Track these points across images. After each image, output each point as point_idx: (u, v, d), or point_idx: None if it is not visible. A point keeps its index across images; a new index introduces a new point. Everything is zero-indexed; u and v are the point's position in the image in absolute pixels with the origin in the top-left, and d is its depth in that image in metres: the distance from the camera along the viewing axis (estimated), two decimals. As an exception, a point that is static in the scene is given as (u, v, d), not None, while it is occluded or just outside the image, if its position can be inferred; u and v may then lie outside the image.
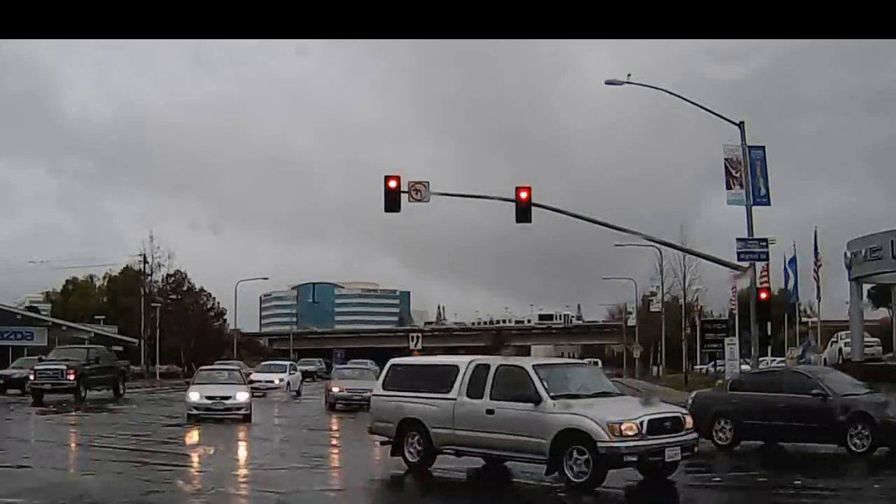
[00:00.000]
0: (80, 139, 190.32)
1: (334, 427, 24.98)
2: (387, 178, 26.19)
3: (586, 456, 11.82)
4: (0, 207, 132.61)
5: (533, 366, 13.37)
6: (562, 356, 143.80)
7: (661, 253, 56.77)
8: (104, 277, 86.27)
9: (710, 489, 13.34)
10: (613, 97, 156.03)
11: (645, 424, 11.91)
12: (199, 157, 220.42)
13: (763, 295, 29.41)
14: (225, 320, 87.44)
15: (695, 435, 12.86)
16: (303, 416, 28.00)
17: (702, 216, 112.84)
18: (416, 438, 14.15)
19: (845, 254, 36.47)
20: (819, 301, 51.65)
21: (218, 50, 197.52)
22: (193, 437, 21.02)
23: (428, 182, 26.92)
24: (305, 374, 54.65)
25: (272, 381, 38.57)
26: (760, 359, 41.36)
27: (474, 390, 13.43)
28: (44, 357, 36.11)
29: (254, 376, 37.89)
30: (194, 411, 23.94)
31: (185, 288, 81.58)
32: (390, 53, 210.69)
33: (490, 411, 13.08)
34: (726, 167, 28.23)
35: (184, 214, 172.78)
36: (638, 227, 34.23)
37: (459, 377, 13.73)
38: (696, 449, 12.68)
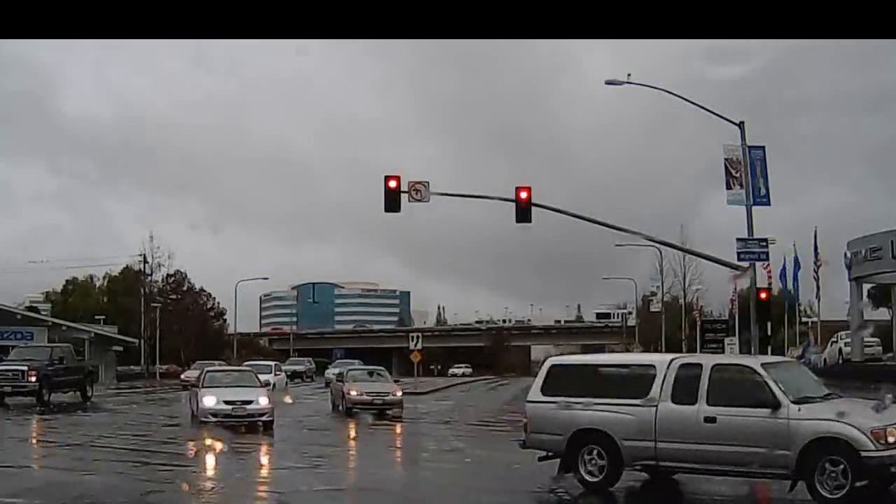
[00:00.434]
0: (80, 139, 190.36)
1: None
2: (387, 178, 26.18)
3: (842, 467, 10.35)
4: (0, 207, 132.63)
5: (762, 364, 11.73)
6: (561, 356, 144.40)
7: (661, 253, 56.84)
8: (104, 277, 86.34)
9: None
10: (613, 97, 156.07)
11: None
12: (200, 157, 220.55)
13: (763, 295, 29.41)
14: (225, 320, 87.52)
15: None
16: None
17: (702, 216, 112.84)
18: (595, 453, 12.06)
19: (845, 254, 36.52)
20: (819, 301, 51.76)
21: (218, 50, 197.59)
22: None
23: (428, 182, 26.91)
24: (294, 375, 53.44)
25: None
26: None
27: (683, 394, 11.57)
28: (4, 357, 33.66)
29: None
30: (210, 418, 21.07)
31: (185, 288, 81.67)
32: (390, 53, 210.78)
33: (710, 419, 11.23)
34: (726, 167, 28.24)
35: (184, 214, 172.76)
36: (638, 227, 34.31)
37: (658, 379, 11.83)
38: None
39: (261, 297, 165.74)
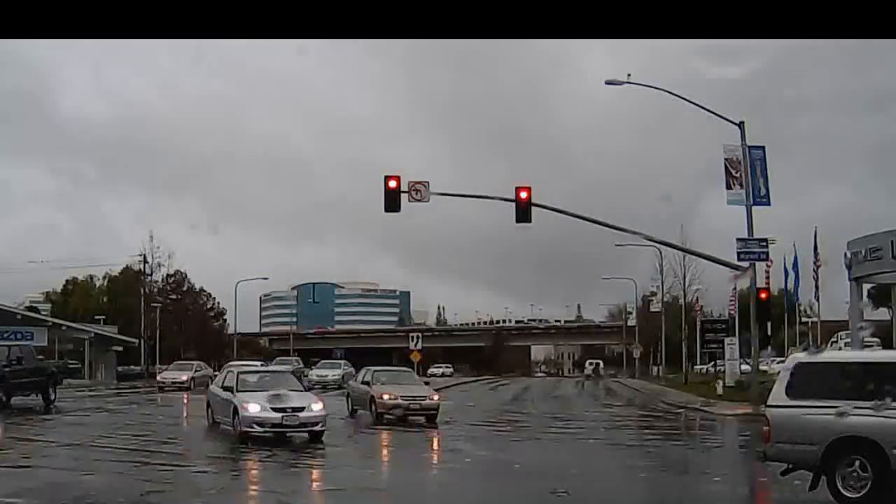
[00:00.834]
0: (79, 139, 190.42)
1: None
2: (387, 179, 26.21)
3: None
4: (0, 207, 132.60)
5: None
6: (560, 357, 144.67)
7: (661, 253, 56.90)
8: (104, 277, 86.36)
9: None
10: (613, 97, 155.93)
11: None
12: (199, 156, 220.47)
13: (763, 295, 29.44)
14: (225, 320, 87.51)
15: None
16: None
17: (702, 216, 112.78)
18: (857, 465, 10.40)
19: (845, 254, 36.46)
20: (818, 301, 51.83)
21: (217, 50, 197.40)
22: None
23: (428, 182, 26.96)
24: None
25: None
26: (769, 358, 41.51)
27: None
28: None
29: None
30: (256, 428, 18.12)
31: (185, 288, 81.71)
32: (390, 53, 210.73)
33: None
34: (726, 167, 28.28)
35: (184, 214, 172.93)
36: (638, 227, 34.27)
37: None
38: None
39: (261, 297, 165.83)
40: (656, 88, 29.22)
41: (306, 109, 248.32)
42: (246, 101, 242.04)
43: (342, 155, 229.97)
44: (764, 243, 28.04)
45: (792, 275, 52.02)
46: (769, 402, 11.46)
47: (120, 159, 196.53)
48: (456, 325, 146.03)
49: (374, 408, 24.77)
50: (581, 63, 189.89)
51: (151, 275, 72.63)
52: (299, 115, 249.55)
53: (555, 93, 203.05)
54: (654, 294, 68.34)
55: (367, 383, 26.25)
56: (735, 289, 48.15)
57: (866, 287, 41.86)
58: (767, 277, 43.82)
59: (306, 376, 50.44)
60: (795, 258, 50.80)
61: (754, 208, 27.97)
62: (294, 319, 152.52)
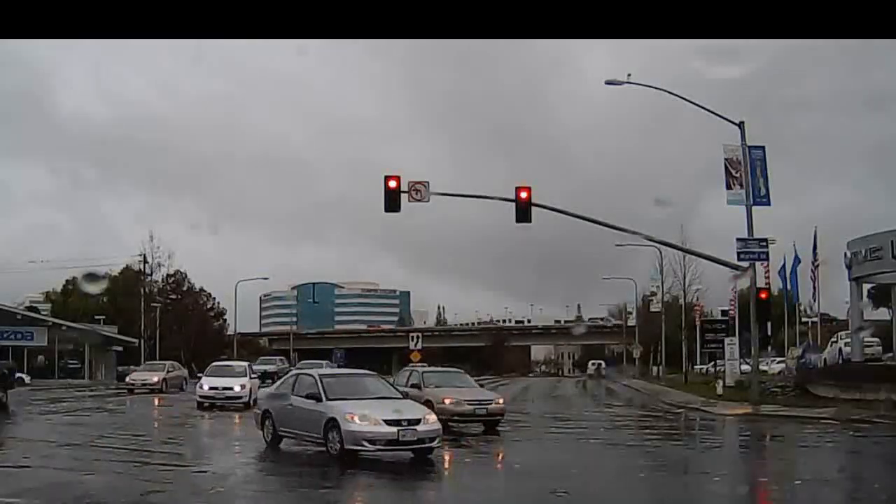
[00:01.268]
0: (79, 139, 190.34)
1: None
2: (387, 179, 26.22)
3: None
4: (0, 207, 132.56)
5: None
6: (560, 357, 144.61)
7: (661, 253, 56.95)
8: (104, 277, 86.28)
9: None
10: (613, 97, 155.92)
11: None
12: (199, 156, 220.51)
13: (763, 295, 29.45)
14: (225, 320, 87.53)
15: None
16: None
17: (702, 216, 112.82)
18: None
19: (845, 254, 36.50)
20: (816, 301, 51.85)
21: (217, 49, 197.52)
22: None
23: (428, 182, 26.97)
24: (265, 376, 43.83)
25: (231, 389, 29.99)
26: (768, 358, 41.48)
27: None
28: None
29: (206, 383, 30.39)
30: (367, 447, 14.67)
31: (185, 288, 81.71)
32: (390, 53, 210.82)
33: None
34: (726, 167, 28.31)
35: (184, 214, 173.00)
36: (638, 227, 34.27)
37: None
38: None
39: (261, 297, 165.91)
40: (656, 88, 29.25)
41: (306, 109, 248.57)
42: (246, 101, 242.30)
43: (342, 155, 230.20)
44: (764, 243, 28.06)
45: (791, 274, 52.02)
46: None
47: (120, 159, 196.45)
48: (456, 325, 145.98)
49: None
50: (581, 63, 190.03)
51: (151, 275, 72.69)
52: (299, 115, 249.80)
53: (555, 93, 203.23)
54: (654, 294, 68.37)
55: (417, 386, 22.49)
56: (735, 289, 48.20)
57: (866, 287, 41.92)
58: (767, 277, 43.84)
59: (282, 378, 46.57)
60: (795, 258, 50.79)
61: (754, 208, 27.98)
62: (294, 319, 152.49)
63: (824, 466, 15.46)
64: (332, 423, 14.92)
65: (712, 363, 52.34)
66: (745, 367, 38.80)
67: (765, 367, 48.15)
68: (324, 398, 15.69)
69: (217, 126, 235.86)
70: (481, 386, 26.08)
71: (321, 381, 16.40)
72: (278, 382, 19.44)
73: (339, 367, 32.13)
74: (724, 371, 41.56)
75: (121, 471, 14.01)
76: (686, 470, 15.77)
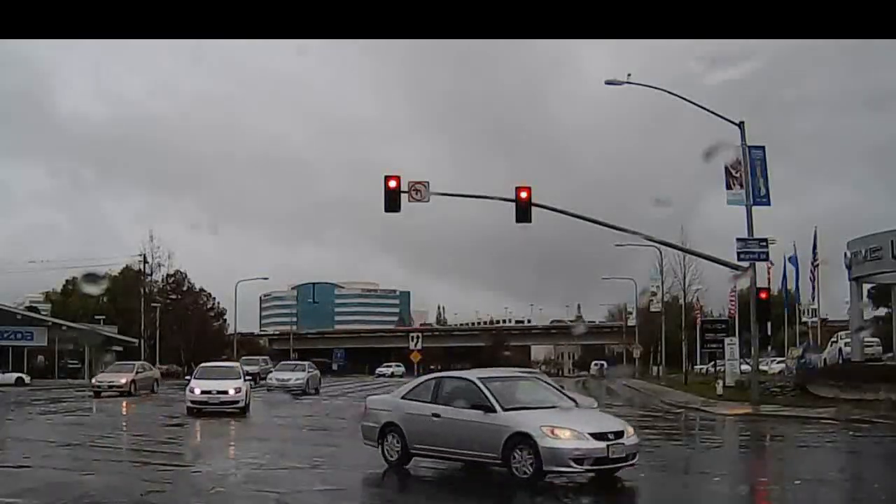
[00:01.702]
0: (79, 139, 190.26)
1: None
2: (387, 179, 26.21)
3: None
4: (0, 207, 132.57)
5: None
6: (561, 357, 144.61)
7: (661, 253, 56.98)
8: (104, 277, 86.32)
9: None
10: (613, 97, 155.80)
11: None
12: (199, 156, 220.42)
13: (763, 295, 29.46)
14: (225, 320, 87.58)
15: None
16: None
17: (702, 216, 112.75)
18: None
19: (845, 254, 36.51)
20: (816, 301, 51.82)
21: (217, 49, 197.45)
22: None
23: (428, 182, 26.96)
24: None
25: (226, 392, 27.08)
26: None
27: None
28: None
29: (196, 386, 27.40)
30: (574, 468, 12.03)
31: (185, 288, 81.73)
32: (390, 53, 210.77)
33: None
34: (726, 167, 28.30)
35: (184, 214, 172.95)
36: (638, 228, 34.29)
37: None
38: None
39: (261, 297, 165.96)
40: (656, 88, 29.25)
41: (306, 109, 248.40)
42: (246, 101, 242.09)
43: (342, 155, 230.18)
44: (764, 243, 28.06)
45: (792, 275, 52.05)
46: None
47: (120, 159, 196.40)
48: (456, 325, 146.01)
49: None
50: (581, 63, 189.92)
51: (151, 275, 72.70)
52: (299, 115, 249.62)
53: (555, 93, 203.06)
54: (654, 294, 68.43)
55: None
56: (735, 288, 48.22)
57: (866, 287, 41.93)
58: (768, 277, 43.87)
59: (264, 379, 45.82)
60: (795, 258, 50.81)
61: (754, 208, 27.99)
62: (294, 319, 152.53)
63: (824, 466, 15.45)
64: (520, 440, 12.13)
65: (712, 363, 52.34)
66: (745, 367, 38.80)
67: (765, 368, 48.17)
68: (498, 408, 12.75)
69: (217, 126, 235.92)
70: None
71: (487, 388, 13.27)
72: (404, 388, 15.29)
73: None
74: (724, 371, 41.55)
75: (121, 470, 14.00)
76: (686, 470, 15.76)
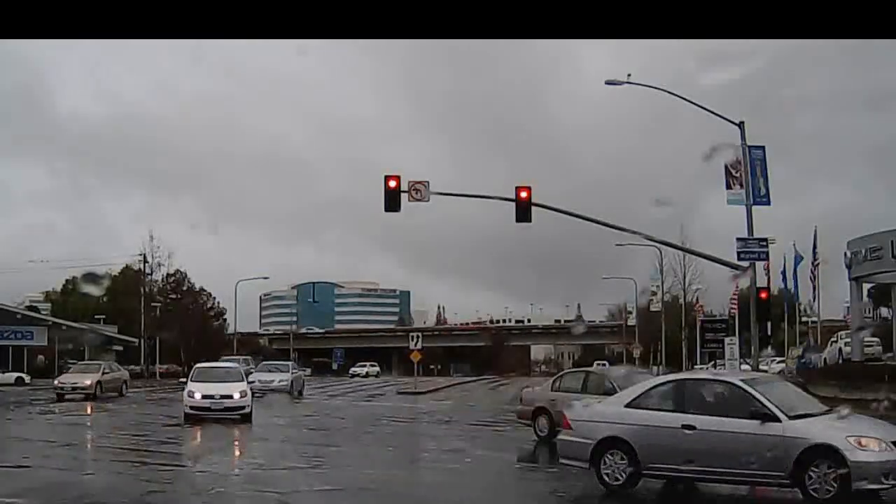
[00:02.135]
0: (78, 139, 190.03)
1: None
2: (387, 178, 26.18)
3: None
4: (0, 207, 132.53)
5: None
6: (561, 357, 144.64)
7: (661, 253, 56.98)
8: (104, 277, 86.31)
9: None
10: (613, 96, 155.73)
11: None
12: (199, 156, 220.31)
13: (763, 295, 29.44)
14: (225, 320, 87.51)
15: None
16: None
17: (702, 216, 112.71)
18: None
19: (845, 253, 36.54)
20: (816, 301, 51.88)
21: (216, 48, 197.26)
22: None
23: (428, 182, 26.91)
24: None
25: (231, 397, 24.52)
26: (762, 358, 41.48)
27: None
28: None
29: (196, 390, 24.72)
30: (885, 483, 10.28)
31: (185, 288, 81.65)
32: (390, 52, 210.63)
33: None
34: (726, 167, 28.28)
35: (183, 214, 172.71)
36: (638, 227, 34.22)
37: None
38: None
39: (261, 297, 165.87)
40: (656, 88, 29.18)
41: (306, 109, 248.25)
42: (246, 101, 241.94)
43: (342, 155, 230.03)
44: (764, 243, 28.01)
45: (792, 274, 52.06)
46: None
47: (120, 159, 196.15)
48: (456, 325, 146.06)
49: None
50: (581, 63, 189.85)
51: (151, 274, 72.63)
52: (299, 115, 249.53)
53: (555, 93, 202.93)
54: (654, 294, 68.45)
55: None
56: (736, 288, 48.20)
57: (866, 287, 41.95)
58: (768, 277, 43.86)
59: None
60: (795, 258, 50.82)
61: (754, 208, 27.94)
62: (294, 319, 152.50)
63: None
64: (818, 454, 10.29)
65: (712, 363, 52.35)
66: (744, 367, 38.77)
67: (765, 367, 48.11)
68: (782, 417, 10.73)
69: (217, 126, 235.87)
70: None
71: (758, 391, 11.18)
72: (629, 393, 12.69)
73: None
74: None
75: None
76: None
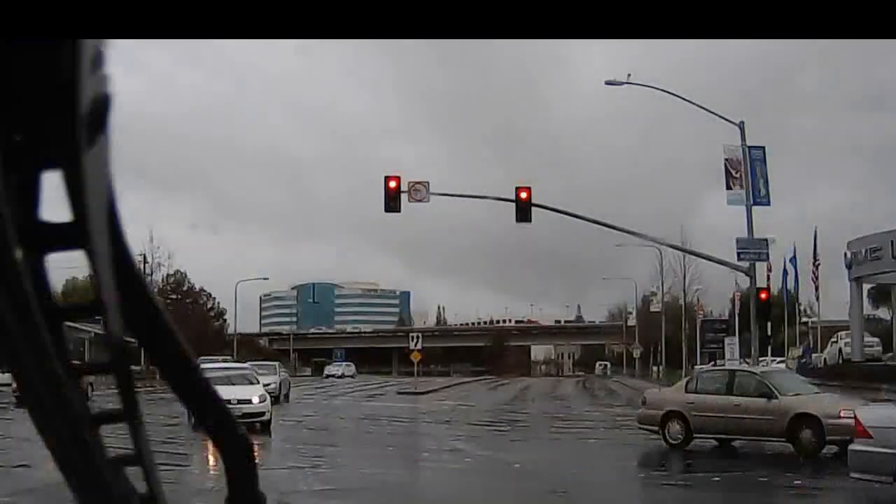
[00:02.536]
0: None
1: None
2: (387, 179, 26.20)
3: None
4: None
5: None
6: (561, 357, 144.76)
7: (661, 253, 56.94)
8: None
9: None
10: (613, 97, 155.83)
11: None
12: (199, 156, 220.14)
13: (763, 295, 29.46)
14: (225, 320, 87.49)
15: None
16: None
17: (702, 216, 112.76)
18: None
19: (845, 254, 36.57)
20: (818, 300, 51.88)
21: (216, 48, 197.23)
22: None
23: (428, 182, 26.95)
24: None
25: (249, 402, 21.38)
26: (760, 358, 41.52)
27: None
28: None
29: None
30: None
31: (185, 288, 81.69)
32: (389, 53, 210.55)
33: None
34: (726, 167, 28.30)
35: (183, 214, 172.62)
36: (638, 227, 34.31)
37: None
38: None
39: (261, 297, 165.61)
40: (656, 88, 29.26)
41: (305, 109, 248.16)
42: (245, 100, 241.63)
43: (342, 154, 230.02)
44: (764, 243, 28.05)
45: (792, 275, 52.05)
46: None
47: (119, 159, 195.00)
48: (456, 325, 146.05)
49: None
50: (580, 63, 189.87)
51: (151, 275, 72.55)
52: (299, 115, 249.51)
53: (554, 93, 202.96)
54: (654, 294, 68.46)
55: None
56: (739, 291, 48.23)
57: (866, 287, 41.98)
58: (768, 277, 43.87)
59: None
60: (795, 258, 50.82)
61: (754, 208, 27.97)
62: (294, 319, 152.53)
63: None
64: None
65: (712, 363, 52.36)
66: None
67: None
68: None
69: (216, 125, 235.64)
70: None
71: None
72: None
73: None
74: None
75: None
76: (686, 469, 15.78)
